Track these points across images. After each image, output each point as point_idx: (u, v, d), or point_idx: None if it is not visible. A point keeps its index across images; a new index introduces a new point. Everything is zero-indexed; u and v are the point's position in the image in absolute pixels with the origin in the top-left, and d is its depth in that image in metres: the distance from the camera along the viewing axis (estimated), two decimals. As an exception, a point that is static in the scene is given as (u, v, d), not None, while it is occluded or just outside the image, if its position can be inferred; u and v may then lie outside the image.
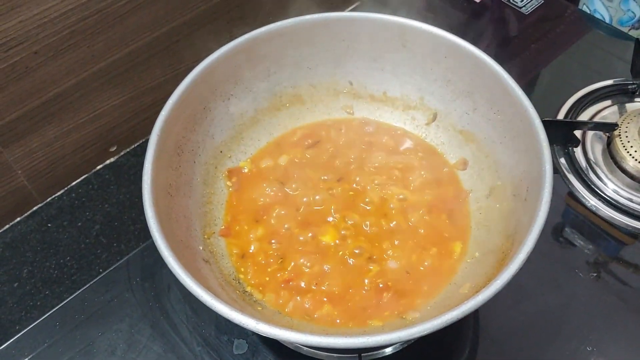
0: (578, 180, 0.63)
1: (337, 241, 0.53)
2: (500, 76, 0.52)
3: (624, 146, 0.62)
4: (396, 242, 0.53)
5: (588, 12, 0.83)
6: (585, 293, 0.56)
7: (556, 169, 0.64)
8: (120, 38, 0.64)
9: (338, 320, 0.49)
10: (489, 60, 0.53)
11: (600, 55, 0.77)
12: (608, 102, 0.70)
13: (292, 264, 0.52)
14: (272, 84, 0.60)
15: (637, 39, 0.70)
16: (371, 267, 0.51)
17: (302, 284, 0.50)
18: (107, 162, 0.72)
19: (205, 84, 0.54)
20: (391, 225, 0.54)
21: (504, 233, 0.49)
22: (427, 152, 0.60)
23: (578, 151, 0.66)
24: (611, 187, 0.63)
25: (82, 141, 0.68)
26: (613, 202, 0.61)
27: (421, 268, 0.51)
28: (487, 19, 0.80)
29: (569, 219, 0.62)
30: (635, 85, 0.70)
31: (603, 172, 0.64)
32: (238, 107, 0.59)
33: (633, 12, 0.79)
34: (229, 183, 0.58)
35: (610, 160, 0.64)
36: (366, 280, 0.51)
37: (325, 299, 0.50)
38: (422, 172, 0.58)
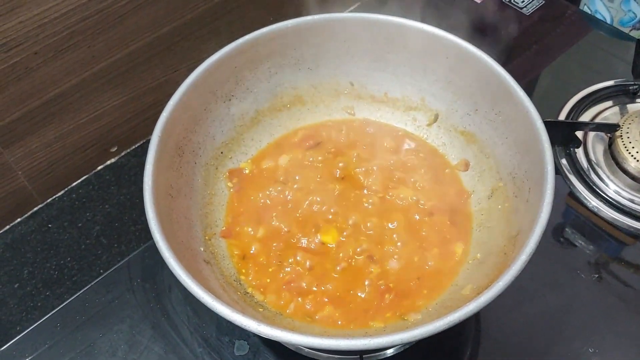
0: (579, 181, 0.63)
1: (340, 241, 0.53)
2: (502, 77, 0.52)
3: (625, 147, 0.62)
4: (398, 244, 0.52)
5: (589, 12, 0.83)
6: (586, 294, 0.56)
7: (557, 170, 0.64)
8: (121, 38, 0.64)
9: (339, 322, 0.48)
10: (490, 61, 0.53)
11: (601, 56, 0.77)
12: (609, 103, 0.70)
13: (294, 265, 0.52)
14: (273, 85, 0.60)
15: (638, 39, 0.70)
16: (372, 269, 0.51)
17: (304, 285, 0.50)
18: (108, 162, 0.71)
19: (206, 85, 0.54)
20: (392, 226, 0.54)
21: (505, 234, 0.49)
22: (428, 153, 0.60)
23: (579, 152, 0.65)
24: (612, 187, 0.63)
25: (83, 142, 0.68)
26: (614, 202, 0.61)
27: (425, 268, 0.51)
28: (488, 19, 0.80)
29: (571, 219, 0.62)
30: (637, 86, 0.70)
31: (604, 173, 0.64)
32: (239, 108, 0.59)
33: (634, 13, 0.79)
34: (229, 184, 0.57)
35: (612, 161, 0.64)
36: (367, 282, 0.50)
37: (326, 300, 0.50)
38: (424, 173, 0.57)
